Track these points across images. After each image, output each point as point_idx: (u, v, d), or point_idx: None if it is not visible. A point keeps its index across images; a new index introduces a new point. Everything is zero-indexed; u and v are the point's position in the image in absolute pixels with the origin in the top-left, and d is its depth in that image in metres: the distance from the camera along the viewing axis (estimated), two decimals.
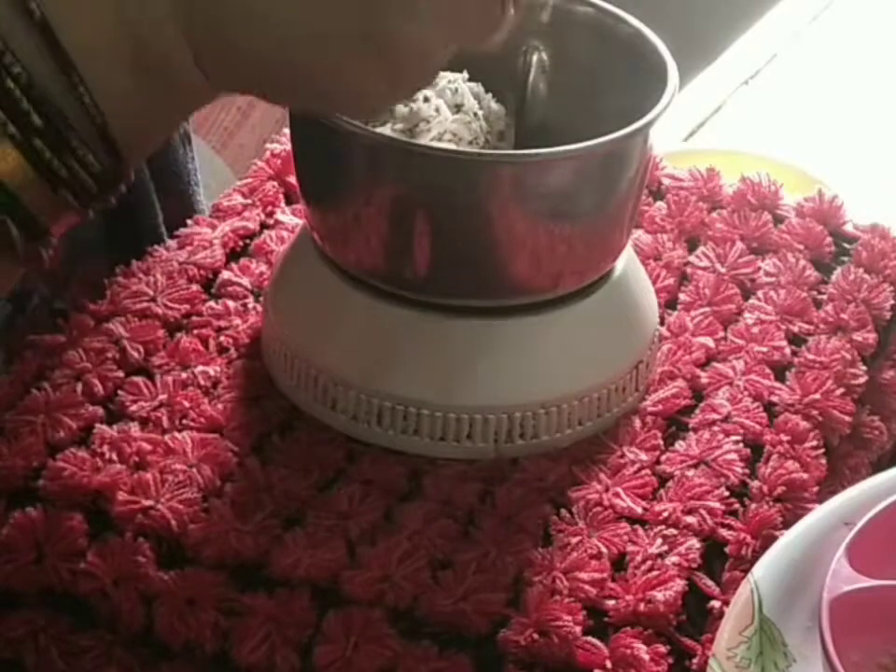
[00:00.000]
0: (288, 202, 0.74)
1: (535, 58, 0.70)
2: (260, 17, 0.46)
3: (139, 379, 0.64)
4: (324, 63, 0.48)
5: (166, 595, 0.56)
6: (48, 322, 0.67)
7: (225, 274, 0.70)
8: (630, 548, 0.58)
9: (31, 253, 0.46)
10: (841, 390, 0.66)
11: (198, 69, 0.47)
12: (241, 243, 0.72)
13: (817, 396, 0.65)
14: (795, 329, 0.69)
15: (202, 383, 0.64)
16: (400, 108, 0.65)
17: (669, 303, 0.70)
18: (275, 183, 0.75)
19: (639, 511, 0.60)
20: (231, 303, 0.68)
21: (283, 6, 0.46)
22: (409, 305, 0.61)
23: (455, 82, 0.68)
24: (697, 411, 0.65)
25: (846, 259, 0.73)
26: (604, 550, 0.58)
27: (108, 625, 0.56)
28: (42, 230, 0.46)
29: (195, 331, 0.67)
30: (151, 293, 0.68)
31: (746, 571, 0.56)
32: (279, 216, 0.74)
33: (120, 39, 0.45)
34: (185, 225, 0.73)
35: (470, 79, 0.69)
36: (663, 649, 0.55)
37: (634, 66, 0.66)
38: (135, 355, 0.65)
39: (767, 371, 0.66)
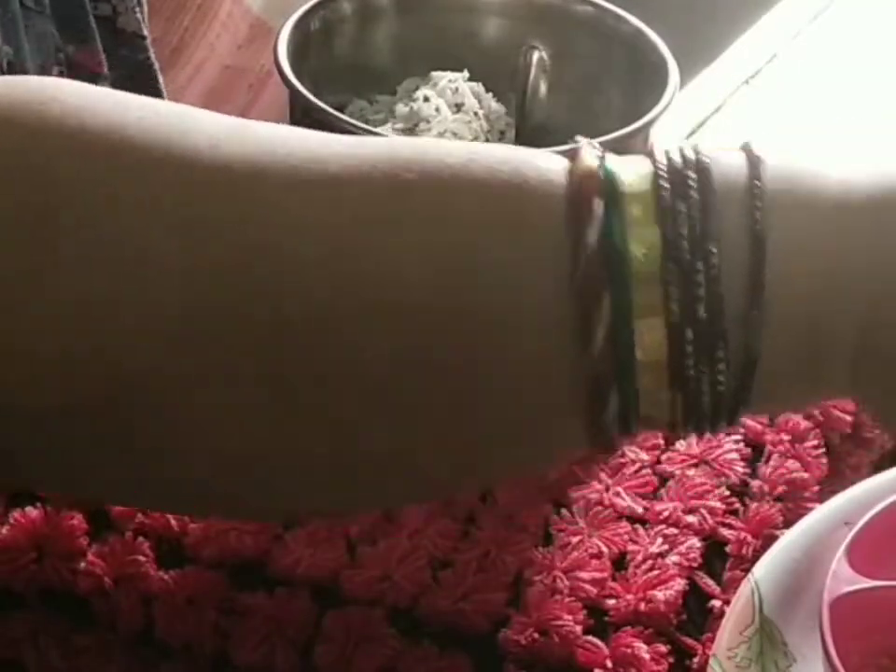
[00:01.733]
0: None
1: (535, 58, 0.70)
2: None
3: None
4: None
5: (166, 595, 0.56)
6: None
7: None
8: (630, 547, 0.58)
9: (612, 440, 0.43)
10: None
11: (849, 366, 0.43)
12: None
13: None
14: None
15: None
16: (401, 108, 0.65)
17: None
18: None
19: (640, 510, 0.60)
20: None
21: None
22: None
23: (455, 82, 0.68)
24: None
25: None
26: (604, 549, 0.58)
27: (108, 625, 0.55)
28: (635, 425, 0.42)
29: None
30: None
31: (746, 571, 0.56)
32: None
33: (803, 320, 0.42)
34: None
35: (471, 79, 0.70)
36: (663, 648, 0.55)
37: (634, 66, 0.66)
38: None
39: None
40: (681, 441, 0.63)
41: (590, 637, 0.55)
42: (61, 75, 0.67)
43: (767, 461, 0.62)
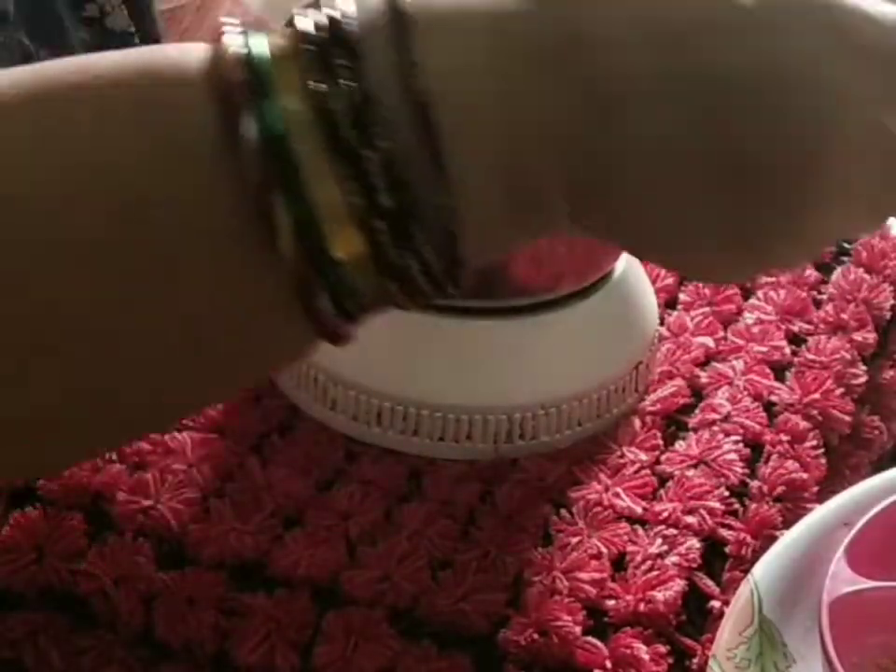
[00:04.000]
0: None
1: None
2: (653, 218, 0.42)
3: None
4: (697, 258, 0.44)
5: (166, 595, 0.56)
6: None
7: None
8: (630, 548, 0.58)
9: (337, 329, 0.41)
10: (841, 390, 0.66)
11: (563, 202, 0.42)
12: None
13: (816, 395, 0.65)
14: (795, 328, 0.69)
15: None
16: None
17: (669, 303, 0.71)
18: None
19: (639, 510, 0.60)
20: None
21: (675, 212, 0.42)
22: None
23: None
24: (697, 410, 0.65)
25: (845, 258, 0.73)
26: (604, 550, 0.58)
27: (108, 625, 0.56)
28: (356, 312, 0.41)
29: None
30: None
31: (746, 571, 0.56)
32: None
33: (502, 155, 0.40)
34: None
35: None
36: (663, 649, 0.55)
37: None
38: None
39: (767, 370, 0.66)
40: (681, 442, 0.63)
41: (589, 638, 0.55)
42: None
43: (766, 462, 0.62)
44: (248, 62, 0.38)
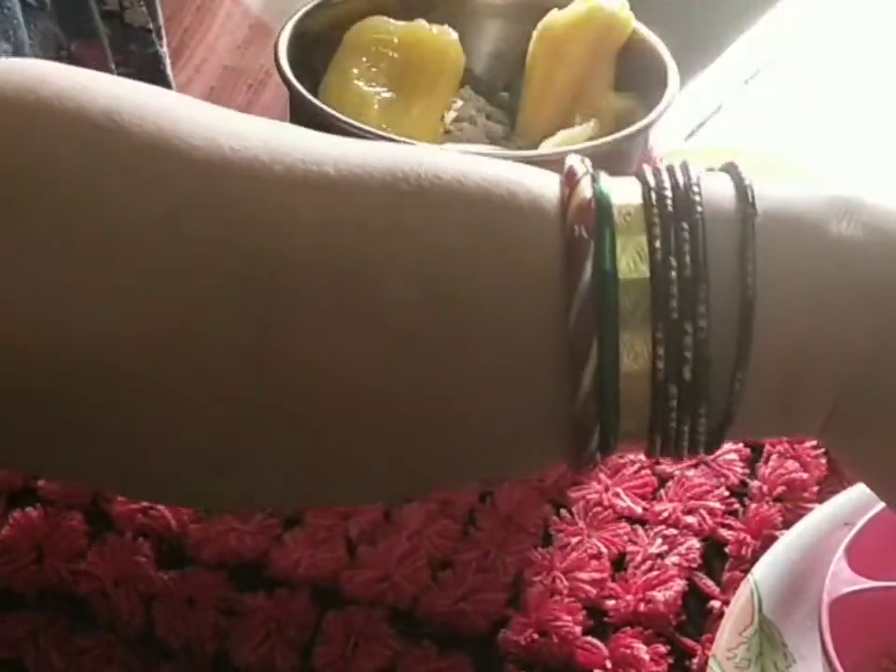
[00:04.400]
0: None
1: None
2: None
3: None
4: None
5: (166, 595, 0.56)
6: None
7: None
8: (630, 548, 0.58)
9: (590, 462, 0.43)
10: None
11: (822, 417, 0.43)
12: None
13: None
14: None
15: None
16: None
17: None
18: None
19: (639, 510, 0.60)
20: None
21: None
22: None
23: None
24: None
25: None
26: (604, 550, 0.58)
27: (108, 625, 0.55)
28: (612, 451, 0.42)
29: None
30: None
31: (746, 571, 0.56)
32: None
33: (786, 374, 0.42)
34: None
35: (471, 79, 0.70)
36: (663, 649, 0.55)
37: (634, 66, 0.66)
38: None
39: None
40: None
41: (589, 638, 0.55)
42: None
43: (766, 462, 0.62)
44: (599, 214, 0.40)
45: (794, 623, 0.54)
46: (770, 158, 0.92)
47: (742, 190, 0.41)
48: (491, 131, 0.68)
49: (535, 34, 0.69)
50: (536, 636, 0.54)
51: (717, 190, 0.42)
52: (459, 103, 0.68)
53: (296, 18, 0.67)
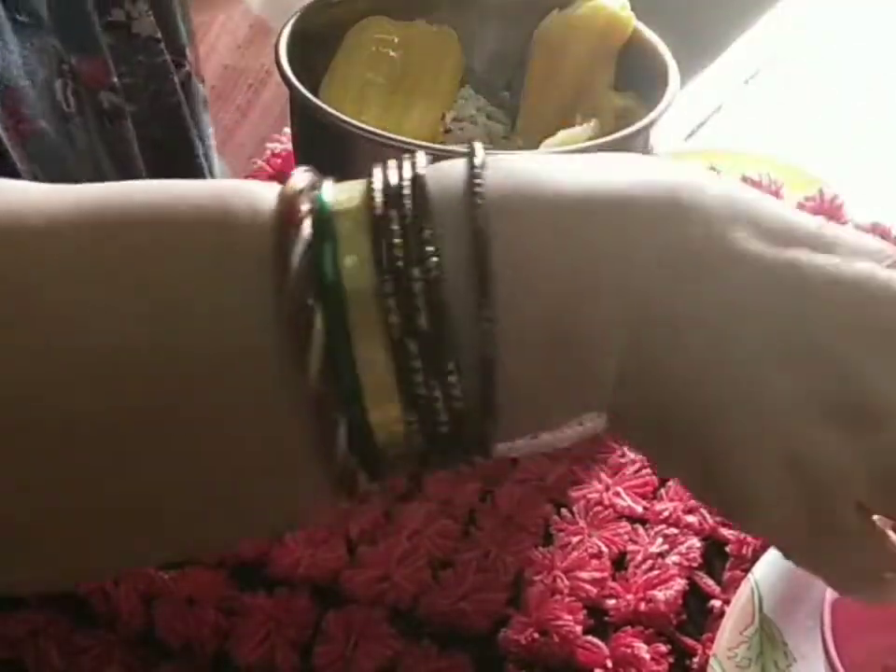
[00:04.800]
0: None
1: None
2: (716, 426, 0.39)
3: None
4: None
5: (166, 595, 0.56)
6: None
7: None
8: (630, 547, 0.58)
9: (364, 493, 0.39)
10: None
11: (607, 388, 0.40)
12: None
13: None
14: None
15: None
16: None
17: None
18: (275, 182, 0.75)
19: (640, 510, 0.60)
20: None
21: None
22: None
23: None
24: None
25: None
26: (604, 549, 0.58)
27: (108, 625, 0.56)
28: (384, 470, 0.39)
29: None
30: None
31: (746, 570, 0.56)
32: None
33: (553, 310, 0.38)
34: None
35: (472, 79, 0.70)
36: (663, 648, 0.55)
37: (634, 66, 0.66)
38: None
39: None
40: None
41: (590, 637, 0.55)
42: (65, 87, 0.66)
43: None
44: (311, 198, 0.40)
45: (795, 622, 0.54)
46: (770, 158, 0.92)
47: (470, 158, 0.40)
48: (491, 130, 0.68)
49: (535, 34, 0.69)
50: (536, 635, 0.54)
51: (444, 164, 0.40)
52: (460, 102, 0.68)
53: (296, 18, 0.67)
